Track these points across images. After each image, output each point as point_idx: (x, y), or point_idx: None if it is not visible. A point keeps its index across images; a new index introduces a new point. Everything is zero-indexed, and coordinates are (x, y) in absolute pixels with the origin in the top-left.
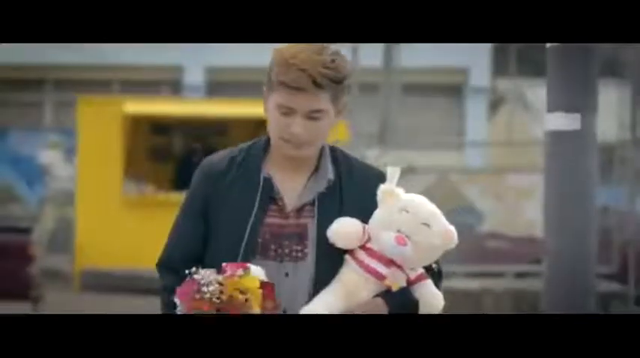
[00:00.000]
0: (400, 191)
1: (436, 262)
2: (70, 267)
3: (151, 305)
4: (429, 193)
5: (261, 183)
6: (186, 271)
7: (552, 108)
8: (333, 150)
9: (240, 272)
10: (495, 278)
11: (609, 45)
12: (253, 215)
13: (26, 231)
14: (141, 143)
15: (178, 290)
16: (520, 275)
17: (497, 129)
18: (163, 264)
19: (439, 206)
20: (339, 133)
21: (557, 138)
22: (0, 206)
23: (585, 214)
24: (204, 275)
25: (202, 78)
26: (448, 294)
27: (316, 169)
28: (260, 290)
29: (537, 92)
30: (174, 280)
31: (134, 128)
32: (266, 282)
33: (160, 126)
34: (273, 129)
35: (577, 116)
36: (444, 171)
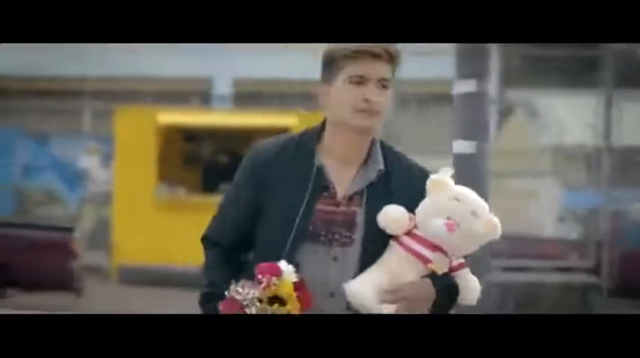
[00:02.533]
0: (451, 181)
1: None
2: (107, 263)
3: (182, 298)
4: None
5: (314, 172)
6: (225, 291)
7: (457, 136)
8: (382, 143)
9: (274, 280)
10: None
11: (585, 56)
12: (305, 202)
13: (69, 229)
14: (172, 150)
15: (221, 310)
16: (506, 270)
17: (506, 137)
18: (209, 239)
19: None
20: None
21: (460, 158)
22: (42, 207)
23: None
24: (243, 294)
25: (230, 89)
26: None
27: (366, 160)
28: (295, 294)
29: (545, 101)
30: (215, 256)
31: (166, 136)
32: (297, 282)
33: (190, 135)
34: (345, 104)
35: (473, 143)
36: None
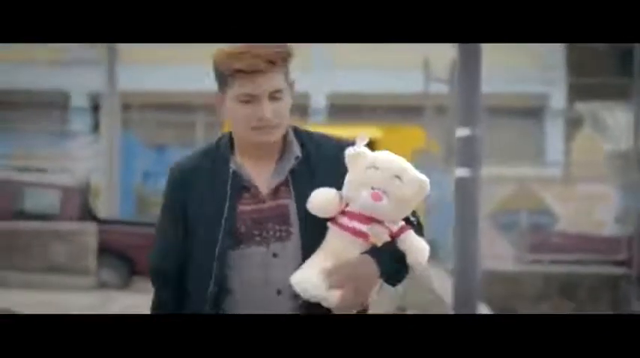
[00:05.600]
0: (366, 150)
1: (414, 215)
2: None
3: None
4: (511, 199)
5: (230, 175)
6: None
7: (457, 165)
8: (296, 129)
9: None
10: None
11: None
12: (226, 207)
13: None
14: None
15: None
16: (555, 263)
17: (575, 146)
18: (153, 273)
19: (520, 209)
20: (420, 142)
21: (459, 181)
22: (159, 209)
23: (475, 229)
24: None
25: (324, 103)
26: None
27: (283, 151)
28: None
29: (612, 114)
30: (164, 293)
31: None
32: None
33: None
34: (239, 123)
35: (467, 169)
36: (524, 180)
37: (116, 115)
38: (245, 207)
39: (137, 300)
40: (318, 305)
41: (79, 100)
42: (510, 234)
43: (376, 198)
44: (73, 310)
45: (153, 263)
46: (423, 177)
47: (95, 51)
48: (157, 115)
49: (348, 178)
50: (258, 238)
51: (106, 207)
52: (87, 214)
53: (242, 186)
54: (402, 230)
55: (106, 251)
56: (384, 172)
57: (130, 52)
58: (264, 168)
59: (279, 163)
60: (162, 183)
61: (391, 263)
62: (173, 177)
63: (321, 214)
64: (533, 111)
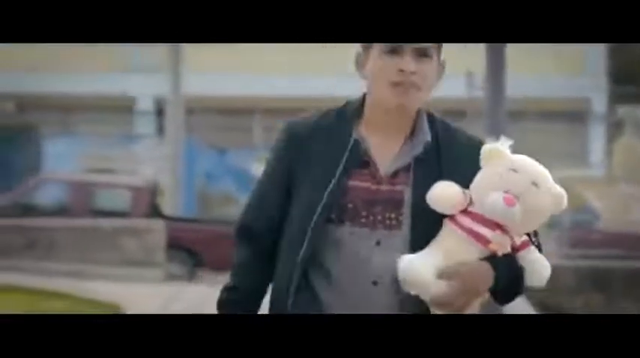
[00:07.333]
0: (507, 151)
1: (535, 235)
2: None
3: None
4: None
5: (350, 145)
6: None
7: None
8: (430, 115)
9: None
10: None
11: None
12: (337, 176)
13: None
14: None
15: None
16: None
17: (616, 148)
18: (242, 229)
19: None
20: None
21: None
22: (220, 208)
23: None
24: None
25: None
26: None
27: (412, 133)
28: None
29: None
30: (247, 252)
31: None
32: None
33: None
34: (379, 77)
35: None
36: (569, 180)
37: (180, 119)
38: (358, 183)
39: (203, 291)
40: (413, 302)
41: (144, 104)
42: (554, 231)
43: (509, 202)
44: (145, 301)
45: (242, 220)
46: (561, 190)
47: (160, 57)
48: (218, 119)
49: (480, 176)
50: (364, 220)
51: (170, 205)
52: (155, 212)
53: (361, 160)
54: (524, 245)
55: (173, 246)
56: (522, 177)
57: (193, 58)
58: (389, 147)
59: (406, 146)
60: (223, 185)
61: (508, 277)
62: (284, 136)
63: (440, 209)
64: (577, 115)
